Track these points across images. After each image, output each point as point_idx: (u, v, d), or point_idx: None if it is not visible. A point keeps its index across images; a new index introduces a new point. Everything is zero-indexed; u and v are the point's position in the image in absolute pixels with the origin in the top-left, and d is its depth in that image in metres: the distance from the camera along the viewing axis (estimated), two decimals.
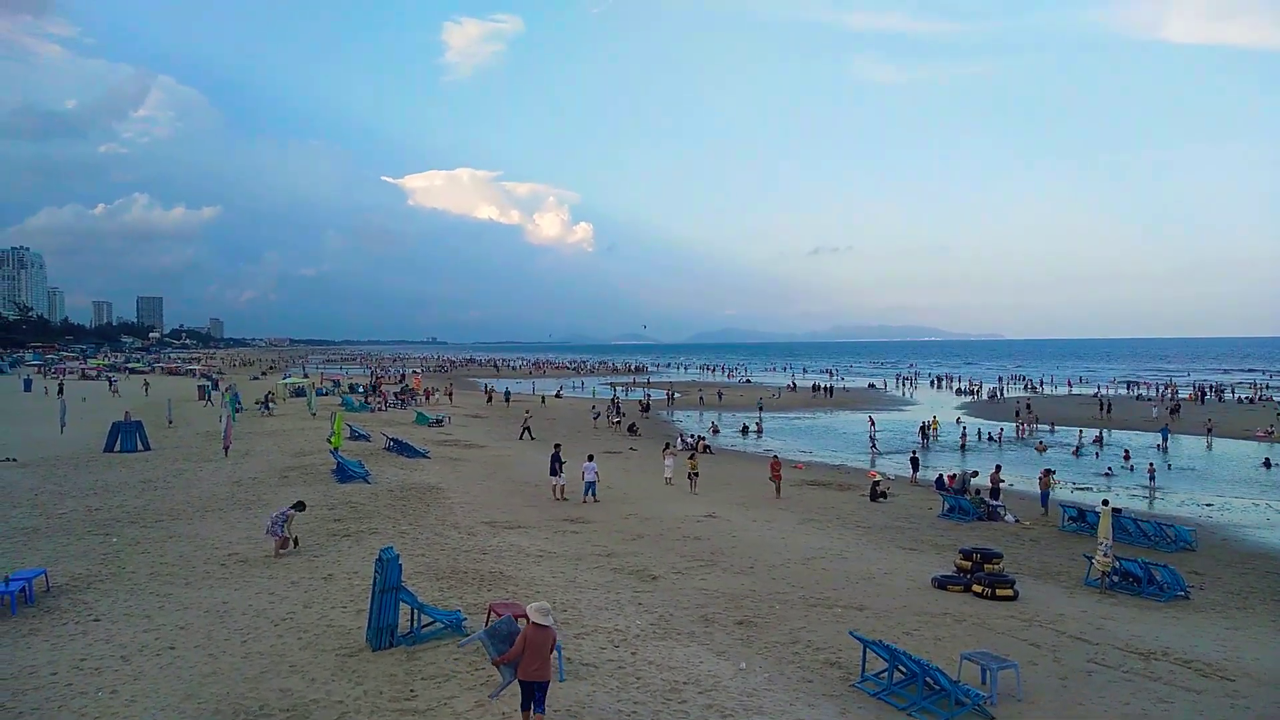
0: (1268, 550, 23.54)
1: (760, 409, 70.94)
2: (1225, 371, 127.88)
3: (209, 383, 74.95)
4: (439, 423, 48.42)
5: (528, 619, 9.43)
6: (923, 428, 50.46)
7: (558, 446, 28.99)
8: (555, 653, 11.03)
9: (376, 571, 12.38)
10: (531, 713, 9.34)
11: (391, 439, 35.69)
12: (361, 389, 72.06)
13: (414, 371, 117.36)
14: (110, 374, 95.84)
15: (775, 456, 32.92)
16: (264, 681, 10.90)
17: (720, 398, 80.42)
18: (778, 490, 29.77)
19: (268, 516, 18.58)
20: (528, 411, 58.28)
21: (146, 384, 78.56)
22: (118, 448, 33.35)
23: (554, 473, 27.51)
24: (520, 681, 9.34)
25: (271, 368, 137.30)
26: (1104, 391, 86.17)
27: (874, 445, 47.62)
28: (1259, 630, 15.92)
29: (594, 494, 27.20)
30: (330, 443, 31.76)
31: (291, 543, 18.02)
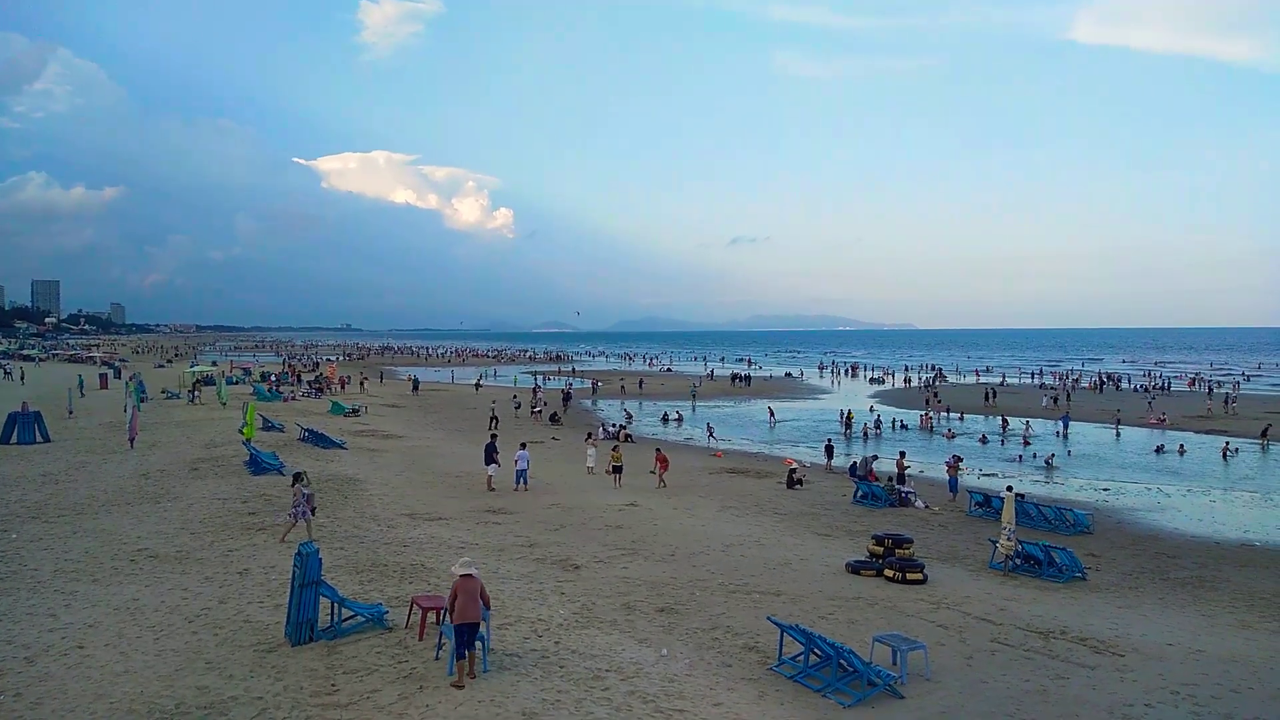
0: (1158, 532, 24.90)
1: (694, 397, 72.00)
2: (1124, 362, 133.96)
3: (111, 370, 72.03)
4: (355, 413, 47.62)
5: (456, 576, 10.91)
6: (847, 418, 51.56)
7: (494, 436, 29.01)
8: (481, 643, 11.18)
9: (296, 566, 12.25)
10: (466, 654, 10.59)
11: (306, 429, 35.02)
12: (274, 377, 70.27)
13: (329, 360, 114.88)
14: (3, 361, 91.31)
15: (658, 449, 33.12)
16: (179, 679, 10.71)
17: (641, 386, 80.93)
18: (660, 481, 29.48)
19: (293, 503, 18.23)
20: (515, 397, 57.86)
21: (22, 371, 73.06)
22: (14, 439, 31.91)
23: (489, 462, 27.44)
24: (454, 626, 10.52)
25: (177, 355, 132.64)
26: (1011, 381, 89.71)
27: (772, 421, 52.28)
28: (1148, 608, 16.89)
29: (525, 483, 27.20)
30: (242, 434, 31.00)
31: (311, 512, 18.40)
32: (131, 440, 31.15)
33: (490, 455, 27.58)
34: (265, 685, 10.59)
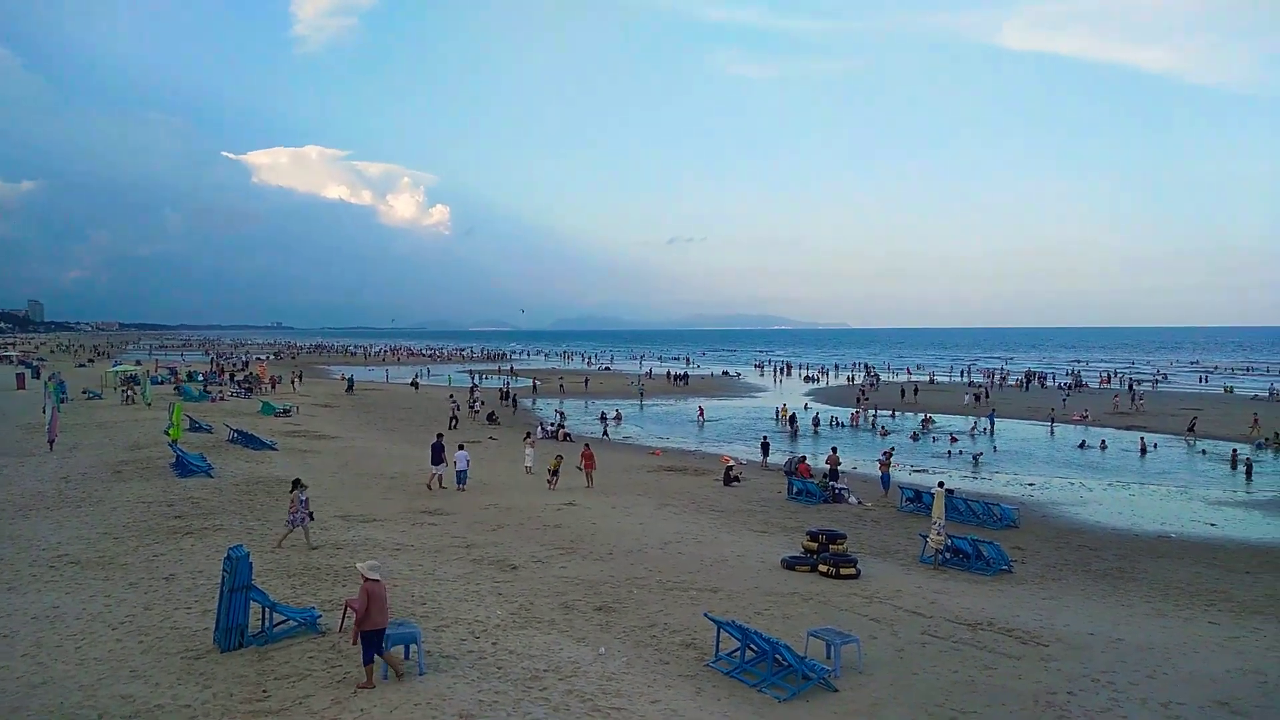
0: (1080, 526, 25.74)
1: (641, 395, 72.43)
2: (1042, 361, 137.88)
3: (29, 370, 69.35)
4: (286, 413, 46.58)
5: (363, 578, 10.73)
6: (791, 416, 52.11)
7: (440, 436, 28.78)
8: (415, 645, 11.10)
9: (225, 570, 11.99)
10: (377, 656, 10.57)
11: (235, 430, 34.17)
12: (202, 377, 68.41)
13: (259, 359, 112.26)
14: None
15: (586, 445, 33.13)
16: (101, 689, 10.40)
17: (586, 385, 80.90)
18: (587, 479, 29.27)
19: (290, 510, 18.08)
20: (451, 396, 57.17)
21: None
22: None
23: (435, 462, 27.32)
24: (364, 634, 10.47)
25: (99, 354, 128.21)
26: (941, 379, 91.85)
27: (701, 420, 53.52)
28: (1071, 599, 17.47)
29: (464, 483, 27.07)
30: (168, 435, 30.13)
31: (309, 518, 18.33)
32: (51, 442, 30.03)
33: (437, 455, 27.44)
34: (193, 693, 10.34)
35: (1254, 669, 13.06)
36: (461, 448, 28.30)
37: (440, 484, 27.05)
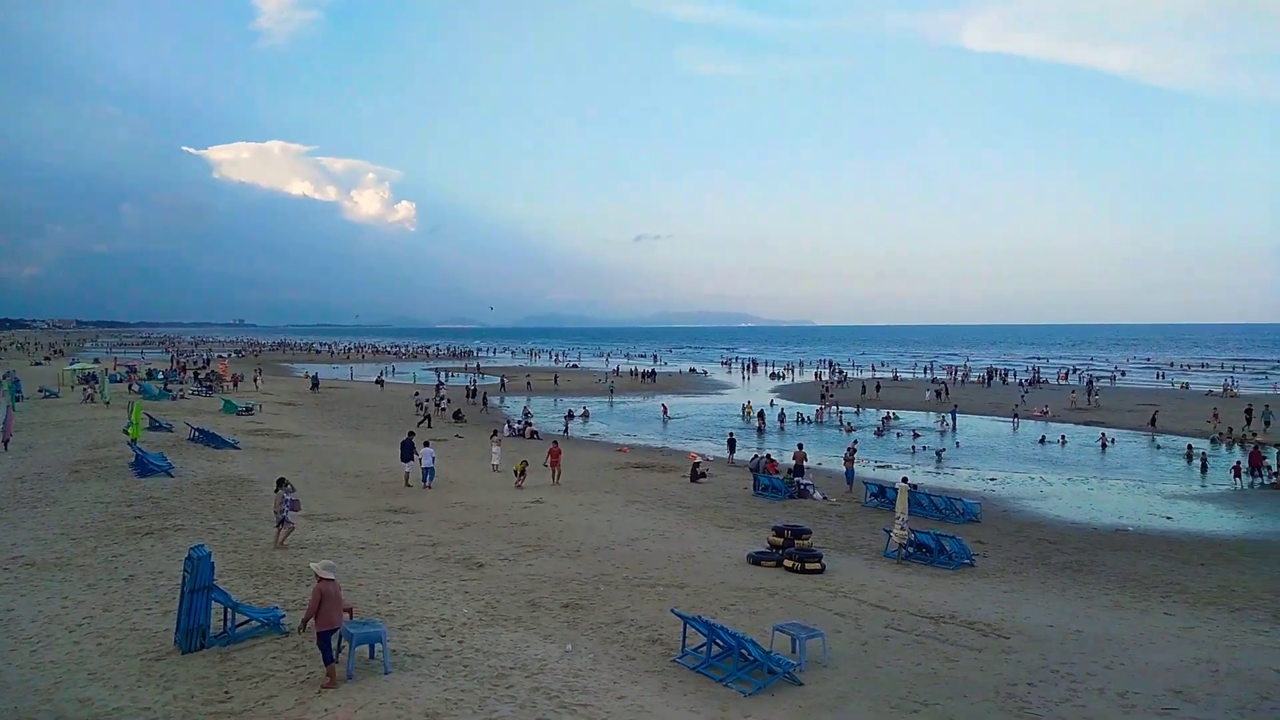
0: (1040, 520, 26.15)
1: (611, 393, 72.55)
2: (1001, 357, 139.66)
3: None
4: (249, 411, 45.98)
5: (318, 577, 10.72)
6: (760, 413, 52.36)
7: (411, 434, 28.74)
8: (381, 644, 11.04)
9: (186, 570, 11.84)
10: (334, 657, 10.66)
11: (196, 429, 33.68)
12: (162, 375, 67.32)
13: (220, 357, 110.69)
14: None
15: (555, 442, 33.11)
16: (59, 692, 10.22)
17: (556, 382, 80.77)
18: (553, 475, 29.21)
19: (279, 508, 17.90)
20: (417, 394, 56.76)
21: None
22: None
23: (405, 459, 27.32)
24: (321, 633, 10.50)
25: (56, 352, 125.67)
26: (905, 376, 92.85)
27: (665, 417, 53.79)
28: (1031, 592, 17.76)
29: (431, 480, 27.04)
30: (128, 434, 29.63)
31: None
32: (5, 441, 29.44)
33: (407, 452, 27.43)
34: (153, 695, 10.20)
35: (1206, 658, 13.37)
36: (427, 445, 28.28)
37: (406, 480, 27.00)
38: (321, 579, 10.71)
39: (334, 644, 10.80)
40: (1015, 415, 54.46)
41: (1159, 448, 42.48)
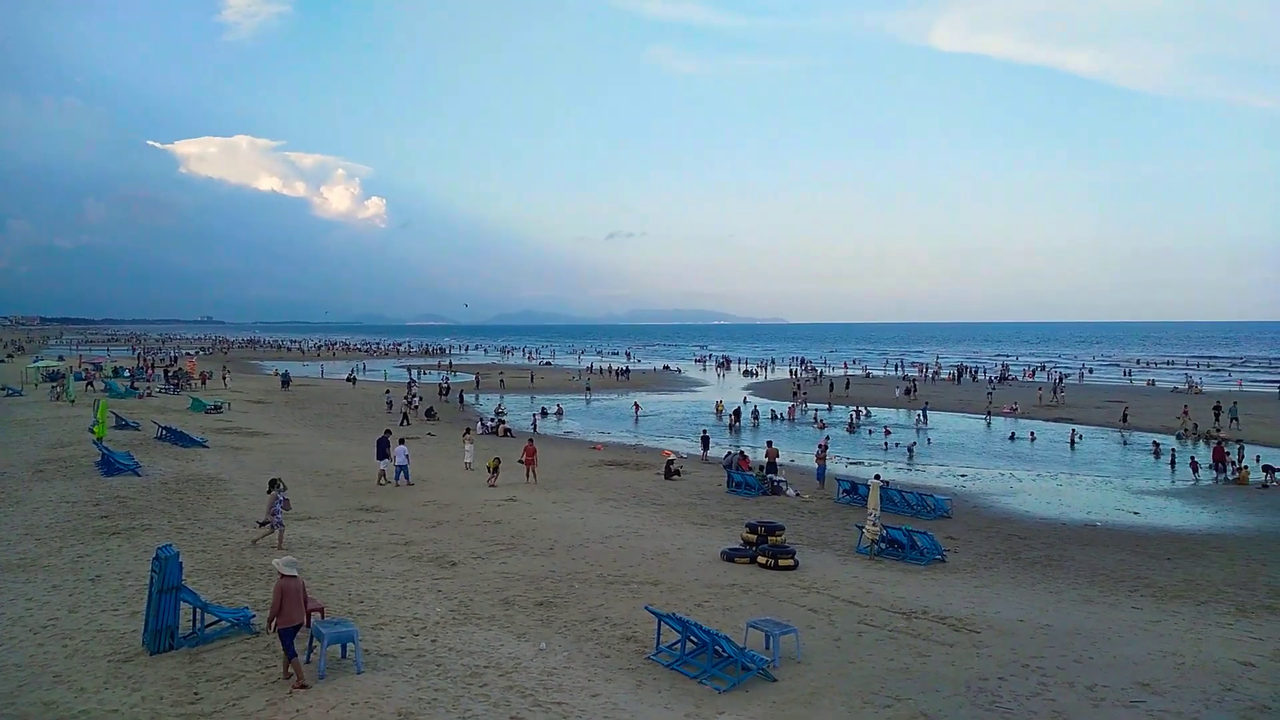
0: (1010, 515, 26.43)
1: (589, 390, 72.58)
2: (969, 355, 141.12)
3: None
4: (217, 409, 45.47)
5: (280, 574, 10.71)
6: (735, 411, 52.37)
7: (387, 432, 28.78)
8: (353, 643, 10.94)
9: (154, 570, 11.68)
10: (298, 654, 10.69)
11: (164, 427, 33.24)
12: (128, 373, 66.32)
13: (188, 354, 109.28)
14: None
15: (530, 440, 33.01)
16: (22, 695, 10.05)
17: (532, 380, 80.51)
18: (528, 474, 28.91)
19: (268, 509, 17.74)
20: (388, 392, 56.84)
21: None
22: None
23: (380, 457, 27.28)
24: (281, 631, 10.49)
25: (19, 349, 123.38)
26: (876, 373, 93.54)
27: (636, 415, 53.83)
28: (1001, 587, 17.93)
29: (407, 477, 27.12)
30: (93, 432, 29.18)
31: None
32: None
33: (382, 450, 27.37)
34: (121, 697, 10.05)
35: (1173, 651, 13.57)
36: (402, 442, 28.16)
37: (383, 478, 26.99)
38: (284, 576, 10.68)
39: (303, 641, 10.81)
40: (989, 413, 54.97)
41: (1126, 444, 43.10)
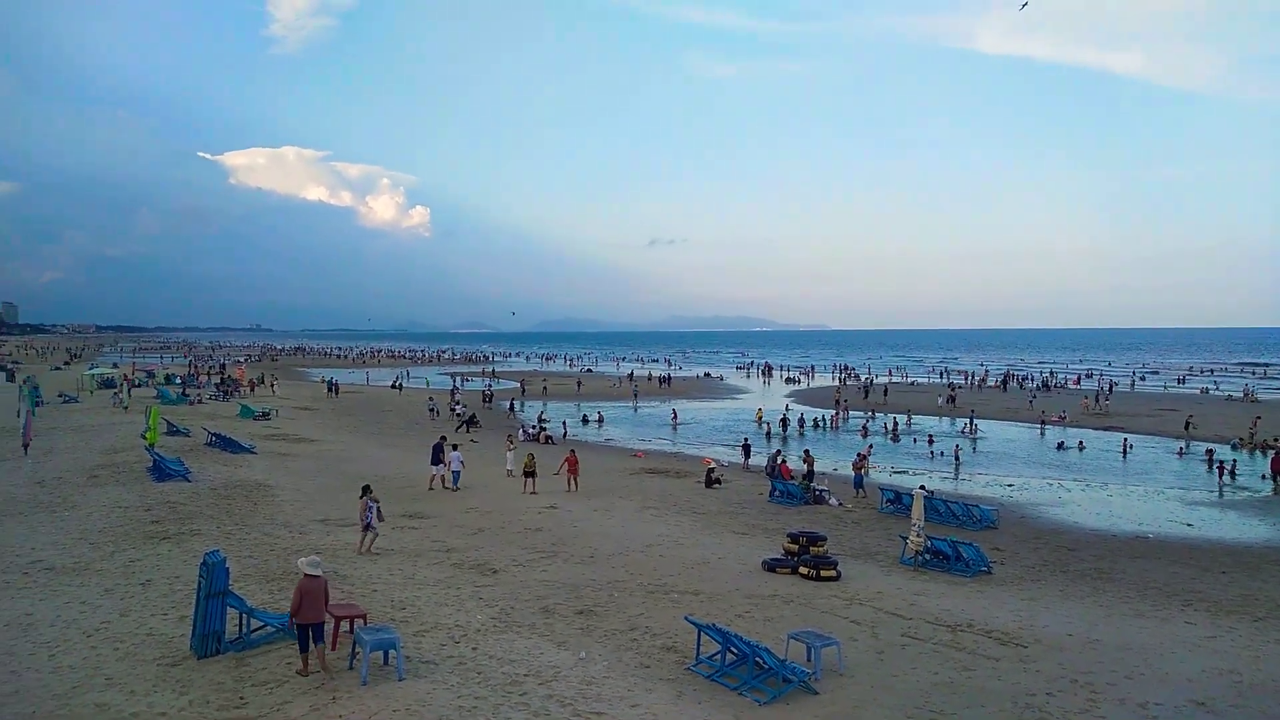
0: (1059, 526, 25.92)
1: (635, 397, 73.15)
2: (1011, 362, 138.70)
3: (3, 373, 68.48)
4: (266, 416, 46.26)
5: (304, 574, 11.06)
6: (783, 420, 52.06)
7: (443, 438, 29.72)
8: (395, 650, 11.03)
9: (201, 576, 11.89)
10: (313, 645, 10.96)
11: (214, 434, 33.88)
12: (180, 380, 67.76)
13: (237, 361, 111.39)
14: None
15: (572, 451, 32.98)
16: (76, 697, 10.27)
17: (579, 387, 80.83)
18: (569, 482, 28.83)
19: (364, 514, 18.40)
20: (431, 399, 57.60)
21: None
22: None
23: (435, 462, 28.10)
24: (299, 626, 10.86)
25: (75, 357, 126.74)
26: (920, 380, 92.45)
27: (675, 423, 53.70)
28: (1050, 600, 17.57)
29: (457, 483, 28.01)
30: (145, 438, 29.83)
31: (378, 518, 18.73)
32: (25, 446, 29.65)
33: (437, 455, 28.22)
34: (169, 700, 10.23)
35: (1229, 669, 13.19)
36: (455, 448, 29.21)
37: (443, 484, 27.81)
38: (307, 575, 11.04)
39: (320, 636, 11.11)
40: (1042, 422, 54.14)
41: (1179, 453, 42.05)
